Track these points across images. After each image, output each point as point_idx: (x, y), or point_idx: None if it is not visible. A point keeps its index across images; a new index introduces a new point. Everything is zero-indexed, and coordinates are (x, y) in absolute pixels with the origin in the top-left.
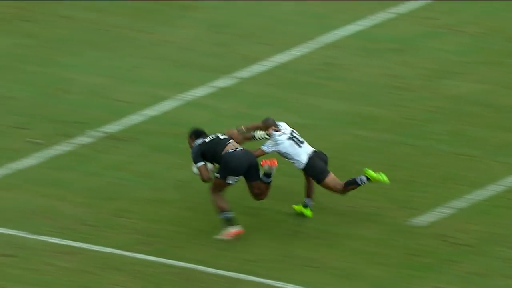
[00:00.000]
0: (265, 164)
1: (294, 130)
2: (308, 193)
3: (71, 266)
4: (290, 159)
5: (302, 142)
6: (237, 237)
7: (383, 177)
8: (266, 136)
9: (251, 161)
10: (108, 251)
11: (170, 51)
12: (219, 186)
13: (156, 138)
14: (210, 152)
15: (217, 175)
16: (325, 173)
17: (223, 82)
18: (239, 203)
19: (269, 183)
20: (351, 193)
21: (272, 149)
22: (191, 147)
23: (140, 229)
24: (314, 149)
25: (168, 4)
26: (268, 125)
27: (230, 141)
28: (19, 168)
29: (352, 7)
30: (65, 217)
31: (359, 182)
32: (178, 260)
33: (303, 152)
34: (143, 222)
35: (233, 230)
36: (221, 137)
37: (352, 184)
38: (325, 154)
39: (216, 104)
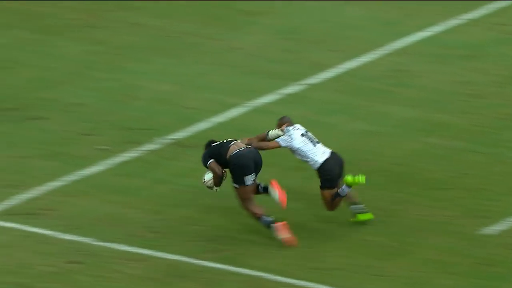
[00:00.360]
0: (276, 189)
1: (309, 132)
2: (351, 201)
3: (138, 273)
4: (304, 157)
5: (317, 142)
6: (290, 244)
7: (360, 179)
8: (280, 133)
9: (255, 158)
10: (176, 258)
11: (238, 58)
12: (244, 195)
13: None
14: (216, 155)
15: (235, 185)
16: (334, 183)
17: (291, 88)
18: (308, 211)
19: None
20: (421, 201)
21: (286, 144)
22: None
23: (207, 236)
24: (331, 151)
25: (236, 10)
26: (283, 123)
27: (233, 142)
28: (87, 174)
29: (422, 13)
30: (133, 224)
31: (341, 194)
32: (246, 268)
33: (318, 152)
34: (211, 230)
35: (285, 237)
36: (225, 140)
37: (336, 197)
38: (341, 158)
39: (283, 111)
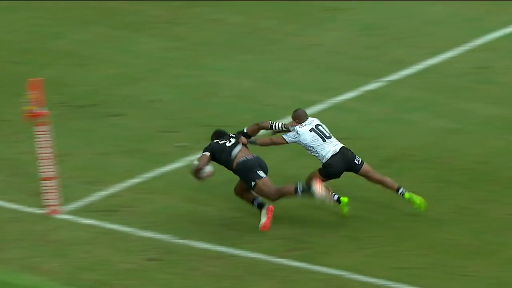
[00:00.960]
0: (318, 186)
1: (322, 125)
2: (388, 186)
3: (217, 271)
4: (313, 152)
5: (328, 137)
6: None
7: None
8: (284, 128)
9: (260, 163)
10: (254, 256)
11: (318, 54)
12: (264, 188)
13: None
14: (217, 155)
15: (253, 183)
16: (331, 176)
17: (372, 85)
18: (390, 209)
19: (296, 193)
20: (504, 200)
21: (293, 140)
22: None
23: (287, 234)
24: (343, 146)
25: (316, 6)
26: (295, 117)
27: (238, 149)
28: (166, 171)
29: (505, 9)
30: (211, 222)
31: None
32: (326, 267)
33: (327, 147)
34: (290, 228)
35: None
36: (228, 144)
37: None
38: (350, 155)
39: (364, 108)
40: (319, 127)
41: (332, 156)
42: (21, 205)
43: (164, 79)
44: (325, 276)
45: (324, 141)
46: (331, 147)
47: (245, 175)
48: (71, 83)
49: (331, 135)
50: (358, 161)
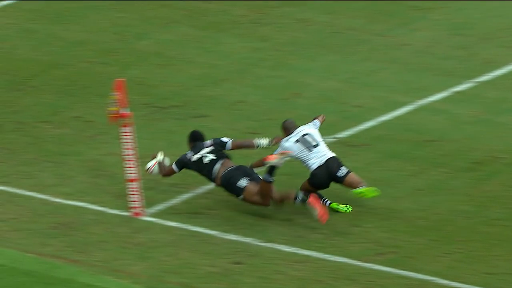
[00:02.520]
0: (272, 157)
1: (311, 133)
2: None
3: (303, 275)
4: (302, 162)
5: (315, 146)
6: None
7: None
8: (265, 142)
9: (244, 172)
10: (341, 260)
11: (407, 55)
12: (253, 197)
13: (390, 144)
14: (193, 168)
15: (242, 200)
16: (318, 187)
17: (461, 86)
18: (479, 213)
19: (271, 182)
20: None
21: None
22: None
23: (374, 238)
24: (329, 157)
25: (405, 6)
26: (283, 129)
27: (217, 166)
28: None
29: None
30: (296, 225)
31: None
32: (413, 271)
33: (313, 158)
34: (377, 232)
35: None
36: (205, 160)
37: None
38: (336, 165)
39: (452, 109)
40: (306, 136)
41: (317, 167)
42: (105, 207)
43: (248, 80)
44: (412, 281)
45: (311, 151)
46: (317, 158)
47: (230, 190)
48: (155, 83)
49: (319, 143)
50: (342, 174)
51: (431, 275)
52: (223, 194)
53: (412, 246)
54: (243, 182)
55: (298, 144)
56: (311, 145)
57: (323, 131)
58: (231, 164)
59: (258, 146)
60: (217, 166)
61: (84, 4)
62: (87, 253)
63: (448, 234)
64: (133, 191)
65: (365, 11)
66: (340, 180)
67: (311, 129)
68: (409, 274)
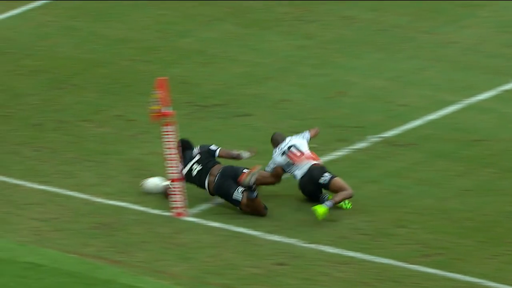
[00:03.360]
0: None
1: (296, 144)
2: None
3: (347, 277)
4: (290, 173)
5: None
6: None
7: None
8: (247, 157)
9: (233, 175)
10: (386, 262)
11: (454, 52)
12: (248, 208)
13: (437, 143)
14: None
15: (238, 208)
16: (310, 197)
17: (509, 84)
18: None
19: (255, 198)
20: None
21: (272, 166)
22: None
23: (420, 239)
24: (310, 166)
25: (452, 3)
26: (272, 142)
27: (207, 179)
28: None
29: None
30: (340, 226)
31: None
32: (460, 274)
33: (297, 168)
34: (424, 233)
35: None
36: (194, 173)
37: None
38: (316, 174)
39: (501, 108)
40: (292, 148)
41: (301, 177)
42: (146, 207)
43: (293, 78)
44: (459, 284)
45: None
46: (299, 169)
47: (227, 201)
48: (197, 82)
49: (302, 153)
50: (325, 181)
51: (478, 277)
52: (267, 195)
53: (459, 248)
54: (238, 195)
55: (284, 157)
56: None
57: (368, 130)
58: (217, 168)
59: (242, 158)
60: (206, 178)
61: (126, 2)
62: (128, 254)
63: (496, 235)
64: (175, 191)
65: (411, 8)
66: (325, 187)
67: (298, 140)
68: (456, 276)
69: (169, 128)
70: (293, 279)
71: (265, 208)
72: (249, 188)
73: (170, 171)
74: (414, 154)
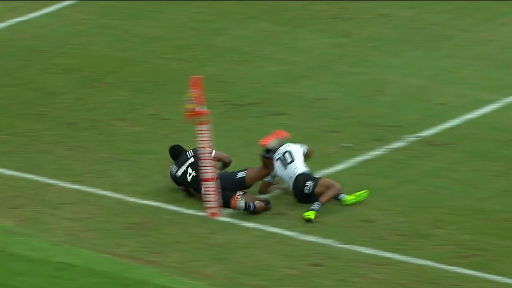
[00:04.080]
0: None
1: (291, 150)
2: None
3: (383, 278)
4: (284, 181)
5: (288, 163)
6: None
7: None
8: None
9: (231, 181)
10: (423, 263)
11: (493, 51)
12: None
13: (475, 143)
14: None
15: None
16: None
17: None
18: None
19: (269, 157)
20: None
21: (272, 173)
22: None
23: (458, 240)
24: (299, 173)
25: (491, 1)
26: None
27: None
28: (329, 173)
29: None
30: (377, 226)
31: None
32: (499, 275)
33: (288, 174)
34: (461, 234)
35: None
36: (189, 178)
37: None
38: (302, 182)
39: None
40: (286, 154)
41: (292, 187)
42: (180, 207)
43: (328, 77)
44: (498, 285)
45: (285, 168)
46: (290, 177)
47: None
48: (232, 80)
49: (294, 159)
50: (308, 190)
51: None
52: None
53: (497, 249)
54: (241, 204)
55: (278, 162)
56: (287, 162)
57: (405, 129)
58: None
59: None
60: (201, 185)
61: None
62: (162, 254)
63: None
64: (209, 190)
65: (450, 6)
66: (311, 196)
67: (295, 147)
68: (494, 278)
69: (204, 127)
70: (329, 280)
71: (268, 202)
72: (267, 150)
73: (204, 171)
74: (452, 153)
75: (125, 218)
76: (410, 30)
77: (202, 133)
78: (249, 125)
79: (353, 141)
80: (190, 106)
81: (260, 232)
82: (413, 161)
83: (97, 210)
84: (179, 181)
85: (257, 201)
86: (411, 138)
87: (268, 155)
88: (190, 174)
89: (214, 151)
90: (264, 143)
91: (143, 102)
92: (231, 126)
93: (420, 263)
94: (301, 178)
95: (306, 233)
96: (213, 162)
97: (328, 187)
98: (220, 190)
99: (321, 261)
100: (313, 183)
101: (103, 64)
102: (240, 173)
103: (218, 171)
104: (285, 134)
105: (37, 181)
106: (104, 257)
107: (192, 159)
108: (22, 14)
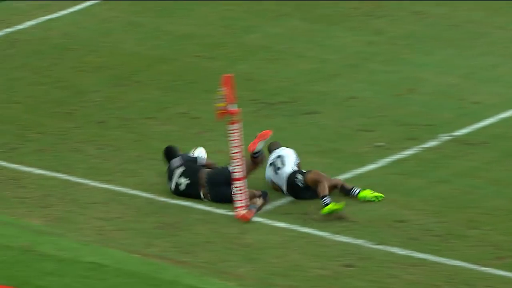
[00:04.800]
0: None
1: (283, 155)
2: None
3: (417, 280)
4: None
5: (279, 169)
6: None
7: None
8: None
9: (225, 178)
10: (458, 264)
11: None
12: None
13: (510, 142)
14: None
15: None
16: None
17: None
18: None
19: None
20: None
21: (266, 177)
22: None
23: (492, 241)
24: (289, 173)
25: None
26: (268, 148)
27: (197, 187)
28: (361, 173)
29: None
30: (411, 227)
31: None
32: None
33: (280, 179)
34: (497, 234)
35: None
36: (182, 187)
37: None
38: (293, 176)
39: None
40: (278, 158)
41: (287, 191)
42: (211, 207)
43: (361, 75)
44: None
45: (276, 174)
46: (282, 180)
47: (230, 202)
48: (263, 79)
49: (285, 164)
50: (301, 181)
51: None
52: (334, 193)
53: None
54: (260, 146)
55: (271, 167)
56: (277, 168)
57: (439, 128)
58: (203, 177)
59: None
60: (200, 190)
61: None
62: (192, 254)
63: None
64: (240, 190)
65: (485, 3)
66: (307, 188)
67: (287, 152)
68: None
69: (234, 126)
70: (361, 281)
71: (265, 194)
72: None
73: (236, 170)
74: (486, 153)
75: (155, 218)
76: (444, 27)
77: (233, 132)
78: (281, 124)
79: (386, 140)
80: (221, 104)
81: (292, 232)
82: (447, 161)
83: (127, 209)
84: (178, 194)
85: (255, 199)
86: (445, 137)
87: (256, 155)
88: (183, 183)
89: (204, 158)
90: (252, 149)
91: (174, 100)
92: (263, 125)
93: (455, 264)
94: (291, 176)
95: (337, 233)
96: (243, 161)
97: (317, 174)
98: (214, 186)
99: (353, 262)
100: (302, 175)
101: (133, 62)
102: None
103: (208, 170)
104: (268, 133)
105: (66, 180)
106: (134, 257)
107: (181, 168)
108: (52, 12)
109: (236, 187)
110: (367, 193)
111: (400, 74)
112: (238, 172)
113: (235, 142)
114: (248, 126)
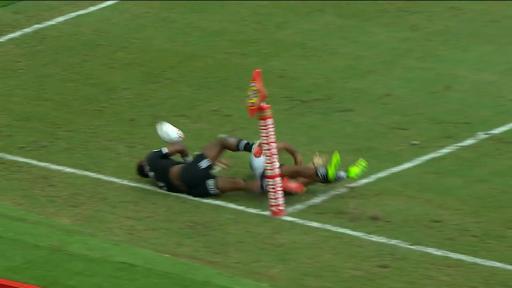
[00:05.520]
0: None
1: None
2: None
3: (453, 281)
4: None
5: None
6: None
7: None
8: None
9: (203, 174)
10: (495, 265)
11: None
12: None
13: None
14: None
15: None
16: None
17: None
18: None
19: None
20: None
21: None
22: None
23: None
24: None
25: None
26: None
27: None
28: (396, 171)
29: None
30: (448, 227)
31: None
32: None
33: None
34: None
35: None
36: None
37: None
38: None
39: None
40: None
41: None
42: (243, 206)
43: (396, 72)
44: None
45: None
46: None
47: (208, 196)
48: (296, 76)
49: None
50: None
51: None
52: (368, 193)
53: None
54: (212, 189)
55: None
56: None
57: (476, 126)
58: (175, 173)
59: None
60: (178, 187)
61: None
62: (224, 254)
63: None
64: (273, 188)
65: None
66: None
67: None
68: None
69: (267, 123)
70: (396, 283)
71: (244, 181)
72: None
73: (269, 168)
74: None
75: (186, 217)
76: (481, 23)
77: (265, 130)
78: (315, 122)
79: (421, 138)
80: (253, 100)
81: (325, 232)
82: (484, 159)
83: (157, 209)
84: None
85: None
86: (482, 135)
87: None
88: (163, 187)
89: (166, 148)
90: (258, 155)
91: (205, 98)
92: (296, 122)
93: (492, 265)
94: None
95: (371, 233)
96: (276, 158)
97: (292, 167)
98: (191, 187)
99: (388, 263)
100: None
101: (164, 59)
102: (202, 162)
103: (179, 165)
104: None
105: (96, 179)
106: (164, 257)
107: (152, 173)
108: (82, 8)
109: (269, 185)
110: (355, 170)
111: (436, 71)
112: (271, 170)
113: (268, 139)
114: (281, 123)
